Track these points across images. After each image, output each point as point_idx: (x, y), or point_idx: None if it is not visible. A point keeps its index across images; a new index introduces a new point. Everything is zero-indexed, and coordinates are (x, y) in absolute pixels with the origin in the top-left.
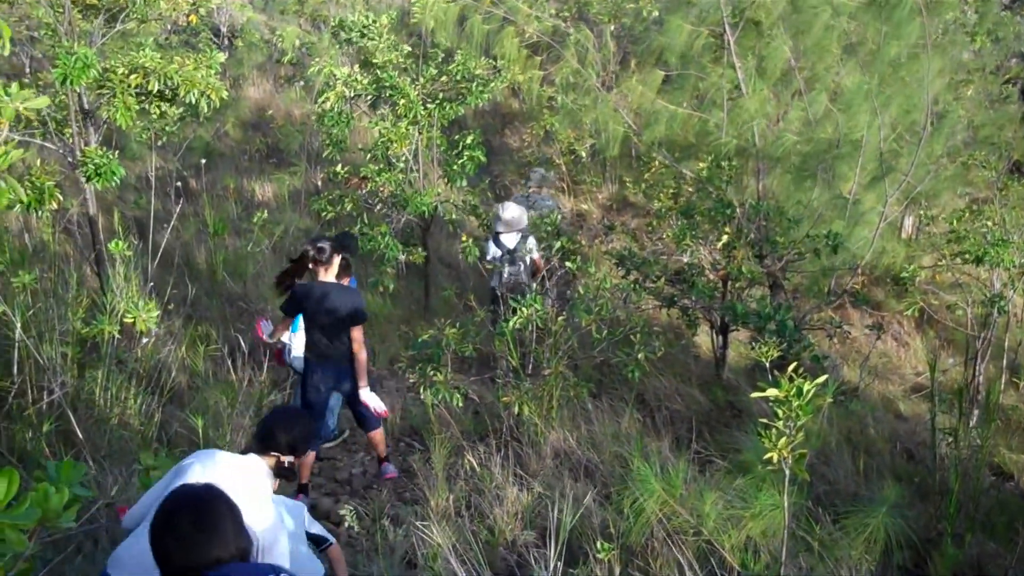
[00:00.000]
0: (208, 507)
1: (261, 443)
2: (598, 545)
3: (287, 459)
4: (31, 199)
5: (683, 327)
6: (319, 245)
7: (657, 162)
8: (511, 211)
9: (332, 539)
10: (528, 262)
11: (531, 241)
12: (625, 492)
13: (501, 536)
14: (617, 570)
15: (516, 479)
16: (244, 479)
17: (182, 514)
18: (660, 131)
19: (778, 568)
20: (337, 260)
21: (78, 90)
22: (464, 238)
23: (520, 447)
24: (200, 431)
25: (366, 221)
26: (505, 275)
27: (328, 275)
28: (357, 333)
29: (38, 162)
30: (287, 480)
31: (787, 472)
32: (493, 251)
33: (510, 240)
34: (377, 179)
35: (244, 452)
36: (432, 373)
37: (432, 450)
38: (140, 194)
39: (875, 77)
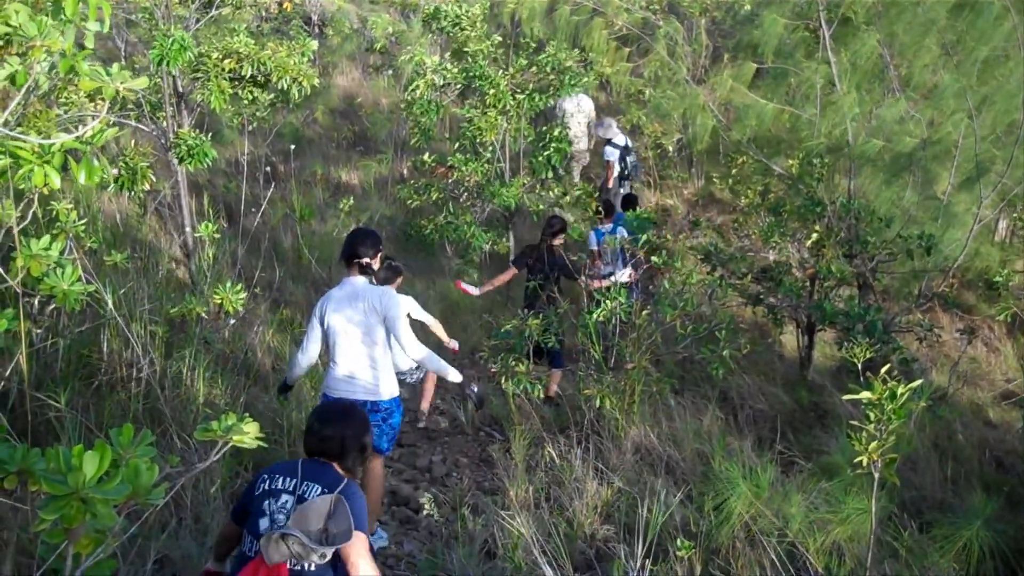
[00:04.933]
0: (339, 415)
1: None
2: (678, 543)
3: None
4: (124, 179)
5: (768, 325)
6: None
7: (745, 158)
8: (609, 120)
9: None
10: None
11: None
12: (707, 490)
13: (580, 529)
14: (698, 569)
15: (596, 473)
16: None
17: (321, 413)
18: (750, 126)
19: (863, 574)
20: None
21: (173, 73)
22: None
23: (600, 441)
24: (284, 414)
25: (451, 210)
26: (629, 166)
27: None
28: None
29: (132, 143)
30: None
31: (876, 476)
32: (610, 152)
33: (620, 139)
34: (464, 168)
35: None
36: (514, 363)
37: (512, 440)
38: (230, 178)
39: (971, 76)
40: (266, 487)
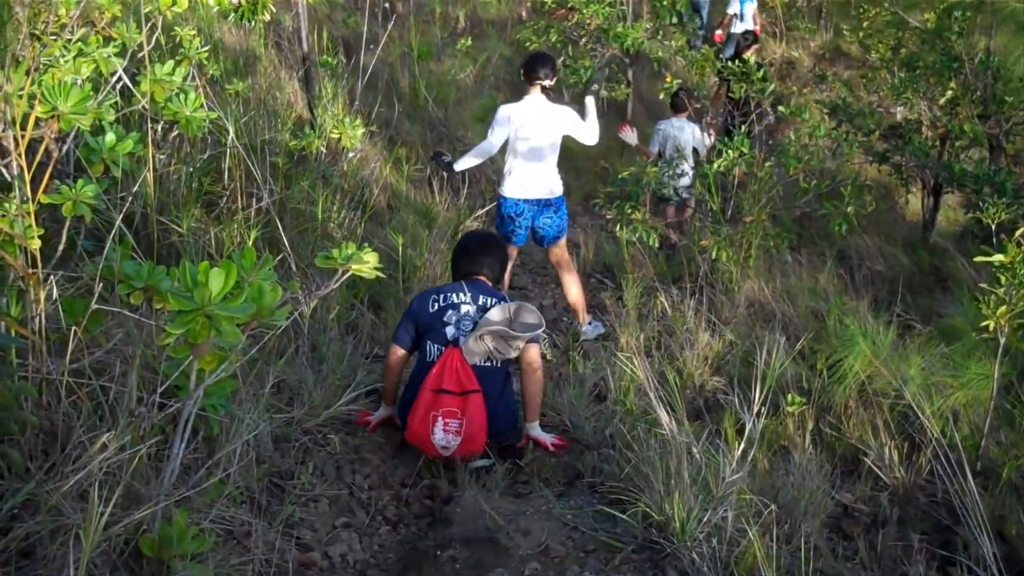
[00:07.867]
0: (486, 241)
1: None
2: (790, 398)
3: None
4: (245, 8)
5: (892, 185)
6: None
7: (879, 10)
8: None
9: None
10: None
11: None
12: (821, 348)
13: (690, 379)
14: (810, 425)
15: (708, 324)
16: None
17: (472, 241)
18: None
19: (979, 440)
20: None
21: None
22: (669, 79)
23: (713, 293)
24: (400, 249)
25: (570, 53)
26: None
27: None
28: None
29: None
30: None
31: (1002, 342)
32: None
33: None
34: (584, 11)
35: None
36: (630, 211)
37: (624, 288)
38: (349, 13)
39: None
40: (441, 304)
